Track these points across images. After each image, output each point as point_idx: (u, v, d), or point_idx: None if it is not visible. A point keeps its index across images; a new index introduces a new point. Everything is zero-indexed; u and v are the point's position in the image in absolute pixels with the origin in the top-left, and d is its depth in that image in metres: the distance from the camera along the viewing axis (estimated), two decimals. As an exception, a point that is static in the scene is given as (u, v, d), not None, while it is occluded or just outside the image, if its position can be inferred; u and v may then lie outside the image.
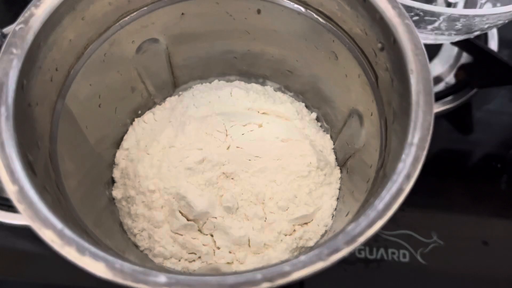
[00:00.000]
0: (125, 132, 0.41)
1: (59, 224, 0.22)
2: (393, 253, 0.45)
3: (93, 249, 0.22)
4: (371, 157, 0.31)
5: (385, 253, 0.44)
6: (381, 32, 0.29)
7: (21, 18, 0.27)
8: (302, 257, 0.22)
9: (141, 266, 0.21)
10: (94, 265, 0.21)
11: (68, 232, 0.22)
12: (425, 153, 0.24)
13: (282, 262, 0.22)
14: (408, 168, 0.24)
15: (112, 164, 0.39)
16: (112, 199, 0.38)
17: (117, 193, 0.38)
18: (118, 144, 0.40)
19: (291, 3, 0.35)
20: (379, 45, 0.30)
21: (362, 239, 0.22)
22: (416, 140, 0.25)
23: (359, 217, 0.23)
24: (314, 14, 0.35)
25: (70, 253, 0.22)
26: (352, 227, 0.23)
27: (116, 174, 0.39)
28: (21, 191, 0.23)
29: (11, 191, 0.23)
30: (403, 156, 0.25)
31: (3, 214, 0.42)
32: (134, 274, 0.21)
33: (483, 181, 0.51)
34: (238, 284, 0.21)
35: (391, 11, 0.28)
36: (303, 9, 0.35)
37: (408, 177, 0.24)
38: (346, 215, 0.32)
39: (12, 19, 0.56)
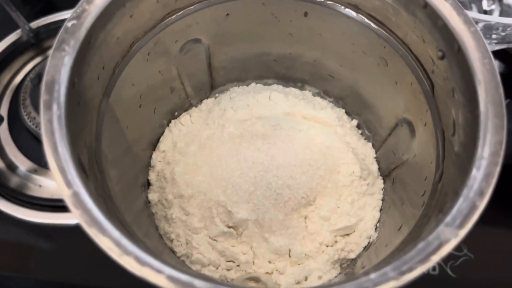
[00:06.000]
0: (161, 133, 0.40)
1: (115, 233, 0.21)
2: (422, 265, 0.43)
3: (151, 260, 0.21)
4: (426, 169, 0.30)
5: (414, 265, 0.43)
6: (443, 39, 0.28)
7: (73, 14, 0.26)
8: (373, 275, 0.21)
9: (202, 278, 0.20)
10: (155, 276, 0.20)
11: (125, 241, 0.21)
12: (498, 169, 0.23)
13: (349, 280, 0.21)
14: (480, 183, 0.23)
15: (147, 166, 0.38)
16: (148, 202, 0.37)
17: (153, 196, 0.37)
18: (153, 145, 0.39)
19: (341, 6, 0.34)
20: (439, 53, 0.29)
21: (436, 258, 0.21)
22: (486, 154, 0.24)
23: (428, 234, 0.22)
24: (366, 19, 0.33)
25: (129, 263, 0.20)
26: (423, 245, 0.22)
27: (152, 176, 0.38)
28: (76, 195, 0.22)
29: (66, 195, 0.22)
30: (474, 170, 0.23)
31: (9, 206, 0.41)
32: (196, 288, 0.20)
33: (515, 195, 0.50)
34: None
35: (456, 17, 0.27)
36: (354, 13, 0.34)
37: (481, 193, 0.23)
38: (399, 229, 0.31)
39: (39, 14, 0.56)
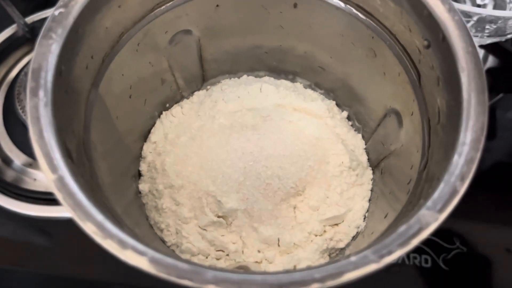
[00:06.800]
0: (152, 125, 0.40)
1: (99, 216, 0.22)
2: (415, 257, 0.43)
3: (135, 243, 0.21)
4: (412, 157, 0.30)
5: (406, 258, 0.43)
6: (428, 28, 0.28)
7: (60, 3, 0.27)
8: (353, 258, 0.21)
9: (185, 261, 0.21)
10: (137, 259, 0.20)
11: (109, 225, 0.21)
12: (479, 154, 0.23)
13: (330, 262, 0.21)
14: (461, 168, 0.23)
15: (138, 157, 0.39)
16: (138, 193, 0.37)
17: (144, 186, 0.37)
18: (145, 137, 0.39)
19: (330, -3, 0.34)
20: (425, 42, 0.29)
21: (415, 241, 0.21)
22: (468, 140, 0.24)
23: (409, 219, 0.22)
24: (354, 10, 0.34)
25: (111, 246, 0.21)
26: (404, 228, 0.22)
27: (143, 167, 0.38)
28: (61, 180, 0.22)
29: (50, 179, 0.22)
30: (455, 156, 0.24)
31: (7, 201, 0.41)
32: (179, 270, 0.20)
33: (507, 188, 0.50)
34: (286, 284, 0.20)
35: (441, 6, 0.27)
36: (342, 4, 0.34)
37: (462, 178, 0.23)
38: (385, 216, 0.31)
39: (35, 9, 0.56)
